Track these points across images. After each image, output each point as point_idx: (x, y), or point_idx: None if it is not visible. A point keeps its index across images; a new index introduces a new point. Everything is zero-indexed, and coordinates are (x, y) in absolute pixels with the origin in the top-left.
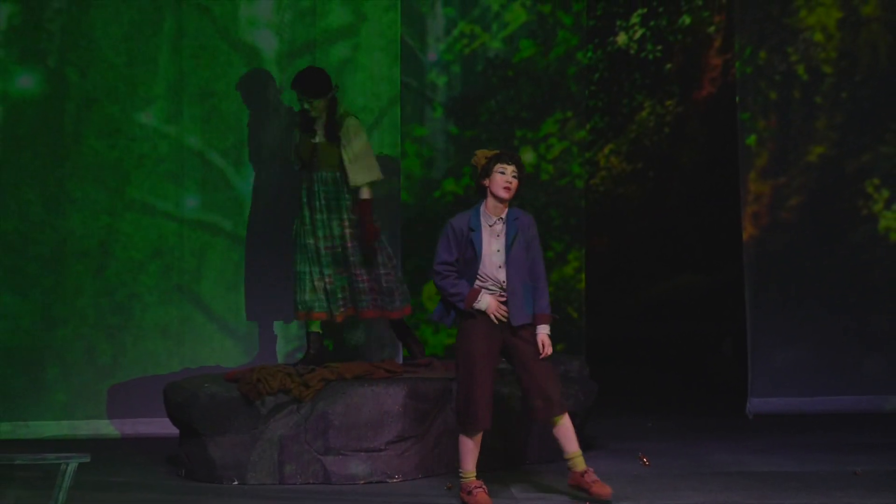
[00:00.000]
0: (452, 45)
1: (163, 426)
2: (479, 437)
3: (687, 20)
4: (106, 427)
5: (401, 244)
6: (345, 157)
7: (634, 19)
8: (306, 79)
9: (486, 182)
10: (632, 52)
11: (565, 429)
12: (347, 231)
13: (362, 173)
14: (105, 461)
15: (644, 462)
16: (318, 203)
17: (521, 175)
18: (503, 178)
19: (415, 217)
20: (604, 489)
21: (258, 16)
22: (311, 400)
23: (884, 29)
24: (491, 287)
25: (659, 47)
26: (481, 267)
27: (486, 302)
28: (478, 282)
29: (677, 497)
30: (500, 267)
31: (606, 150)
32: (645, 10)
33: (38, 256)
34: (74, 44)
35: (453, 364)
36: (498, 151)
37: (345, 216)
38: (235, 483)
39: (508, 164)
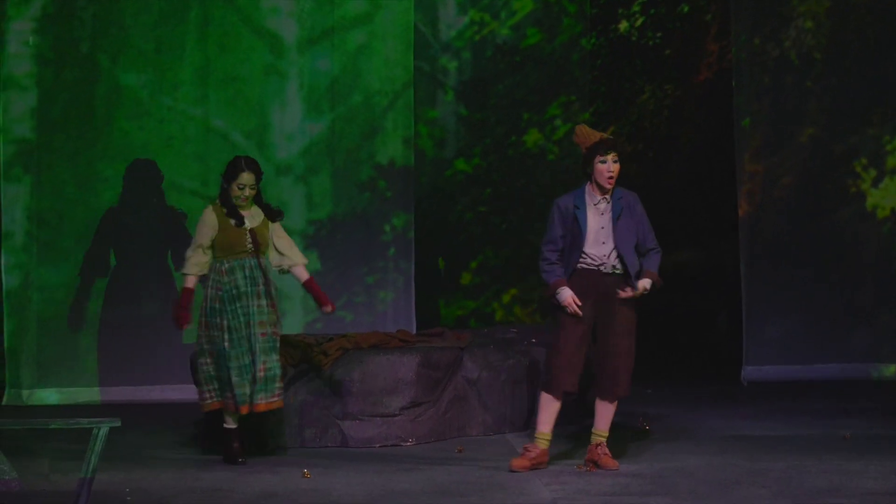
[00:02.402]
0: (463, 32)
1: (189, 392)
2: (556, 400)
3: (685, 8)
4: (135, 393)
5: (414, 219)
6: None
7: (635, 7)
8: (251, 160)
9: (589, 171)
10: (633, 38)
11: (610, 409)
12: None
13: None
14: (135, 426)
15: (644, 426)
16: (255, 288)
17: (620, 155)
18: (605, 168)
19: (427, 194)
20: (612, 462)
21: (279, 4)
22: (330, 368)
23: (871, 17)
24: (592, 262)
25: (659, 34)
26: (585, 244)
27: (564, 296)
28: (582, 258)
29: (675, 458)
30: (603, 243)
31: (609, 132)
32: None
33: (71, 232)
34: (106, 31)
35: (465, 334)
36: (597, 139)
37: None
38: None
39: (608, 153)
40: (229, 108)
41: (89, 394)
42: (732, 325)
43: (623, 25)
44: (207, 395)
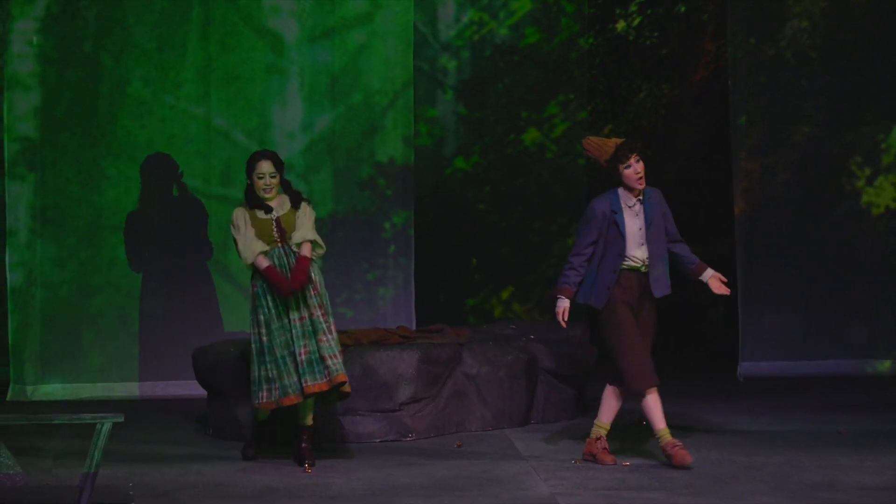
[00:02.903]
0: (462, 32)
1: (191, 388)
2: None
3: (682, 8)
4: (139, 388)
5: (414, 217)
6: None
7: (633, 7)
8: (268, 151)
9: (618, 179)
10: (630, 38)
11: (619, 404)
12: None
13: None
14: (138, 421)
15: (642, 422)
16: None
17: (641, 151)
18: (632, 172)
19: (427, 193)
20: (608, 457)
21: (280, 4)
22: None
23: (866, 16)
24: (635, 262)
25: (656, 34)
26: (627, 247)
27: (559, 305)
28: (624, 260)
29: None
30: (641, 244)
31: (606, 131)
32: None
33: (75, 230)
34: (109, 31)
35: (464, 330)
36: (615, 146)
37: None
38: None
39: (631, 156)
40: (231, 106)
41: (93, 389)
42: (728, 322)
43: (620, 25)
44: (259, 397)
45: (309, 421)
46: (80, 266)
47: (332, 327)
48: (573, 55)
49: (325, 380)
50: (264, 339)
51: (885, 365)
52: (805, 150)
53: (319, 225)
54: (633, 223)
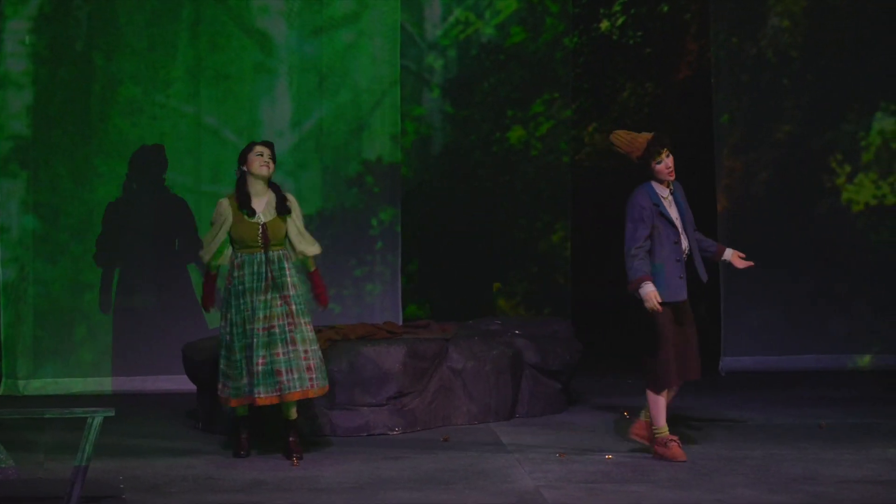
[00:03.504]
0: (449, 31)
1: (182, 383)
2: (668, 394)
3: (665, 8)
4: (129, 383)
5: (401, 213)
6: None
7: (617, 7)
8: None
9: (650, 174)
10: (614, 37)
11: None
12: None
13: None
14: (129, 415)
15: (626, 416)
16: (260, 283)
17: (671, 144)
18: (664, 167)
19: (414, 189)
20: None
21: (269, 4)
22: None
23: (846, 16)
24: (684, 253)
25: (639, 33)
26: (680, 235)
27: (647, 290)
28: (676, 250)
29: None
30: (682, 233)
31: (590, 129)
32: None
33: (67, 226)
34: (100, 30)
35: (450, 325)
36: (646, 142)
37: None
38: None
39: (662, 151)
40: (220, 105)
41: (84, 384)
42: (711, 317)
43: (604, 25)
44: (218, 388)
45: (293, 415)
46: (72, 262)
47: (310, 327)
48: (558, 54)
49: (275, 394)
50: (227, 337)
51: (864, 360)
52: (786, 148)
53: (308, 222)
54: (672, 214)
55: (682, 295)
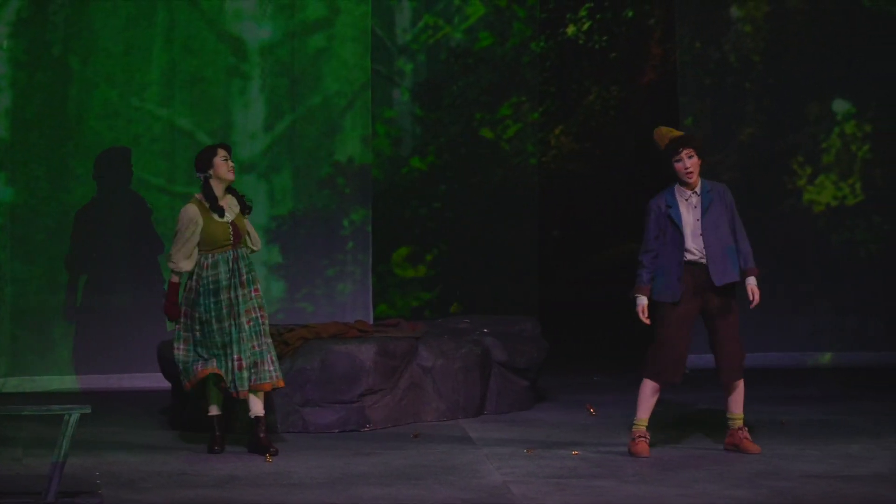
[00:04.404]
0: (418, 36)
1: (157, 381)
2: (657, 389)
3: (630, 13)
4: (105, 381)
5: (371, 215)
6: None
7: (583, 12)
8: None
9: (671, 172)
10: (580, 42)
11: (737, 392)
12: None
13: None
14: (105, 412)
15: (591, 412)
16: (238, 279)
17: (698, 148)
18: (681, 167)
19: (384, 191)
20: (753, 446)
21: (242, 9)
22: (291, 357)
23: (807, 21)
24: (695, 255)
25: (605, 38)
26: (687, 239)
27: (638, 304)
28: (687, 251)
29: (621, 442)
30: (699, 235)
31: (557, 132)
32: (592, 3)
33: (44, 227)
34: (77, 35)
35: (420, 324)
36: (670, 139)
37: None
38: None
39: (682, 150)
40: (194, 108)
41: (61, 382)
42: None
43: (571, 29)
44: (184, 375)
45: (259, 411)
46: (49, 262)
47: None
48: (525, 59)
49: (254, 383)
50: (197, 334)
51: (826, 357)
52: (749, 150)
53: (280, 222)
54: (690, 216)
55: (677, 297)
